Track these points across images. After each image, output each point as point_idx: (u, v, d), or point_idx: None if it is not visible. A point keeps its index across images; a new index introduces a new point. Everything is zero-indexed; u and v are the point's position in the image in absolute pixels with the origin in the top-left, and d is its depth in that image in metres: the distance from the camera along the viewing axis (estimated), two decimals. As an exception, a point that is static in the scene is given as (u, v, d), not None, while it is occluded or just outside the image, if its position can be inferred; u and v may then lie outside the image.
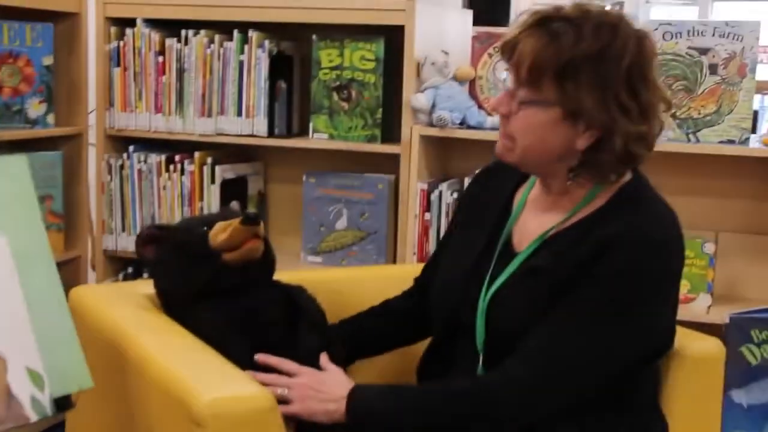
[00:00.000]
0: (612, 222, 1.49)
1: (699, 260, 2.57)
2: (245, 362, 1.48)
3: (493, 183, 1.73)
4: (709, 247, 2.55)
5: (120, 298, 1.70)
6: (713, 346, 1.62)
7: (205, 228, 1.63)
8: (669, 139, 2.54)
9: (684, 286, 2.57)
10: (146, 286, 1.78)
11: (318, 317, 1.71)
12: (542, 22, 1.48)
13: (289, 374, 1.55)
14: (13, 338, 1.26)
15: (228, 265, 1.60)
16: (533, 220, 1.61)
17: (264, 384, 1.42)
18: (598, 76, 1.45)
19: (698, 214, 2.66)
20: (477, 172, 1.83)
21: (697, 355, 1.60)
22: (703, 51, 2.53)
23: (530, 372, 1.45)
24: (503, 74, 2.69)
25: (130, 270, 3.07)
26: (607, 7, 1.54)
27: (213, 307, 1.57)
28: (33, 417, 1.26)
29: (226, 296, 1.59)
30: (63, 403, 1.31)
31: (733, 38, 2.51)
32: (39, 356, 1.28)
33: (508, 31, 1.54)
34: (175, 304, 1.64)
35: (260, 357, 1.55)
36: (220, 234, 1.61)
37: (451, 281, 1.66)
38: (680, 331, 1.61)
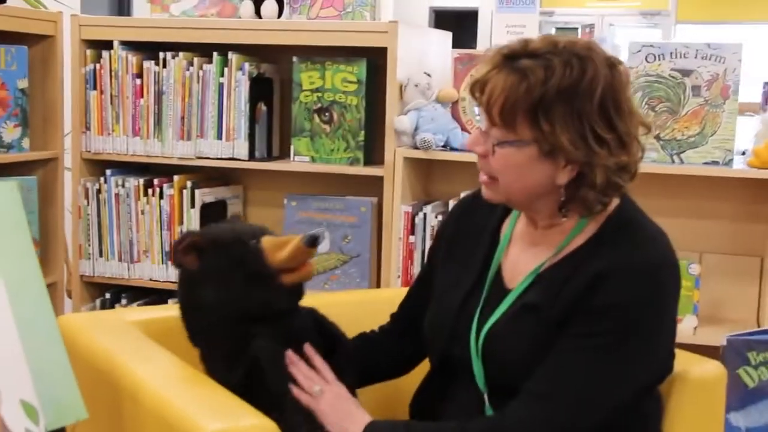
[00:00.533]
0: (605, 253, 1.47)
1: (685, 281, 2.56)
2: (285, 389, 1.46)
3: (474, 217, 1.68)
4: (695, 269, 2.55)
5: (108, 326, 1.65)
6: (714, 369, 1.61)
7: (255, 241, 1.54)
8: (653, 161, 2.54)
9: (670, 308, 2.57)
10: (133, 314, 1.74)
11: (350, 349, 1.68)
12: (510, 58, 1.45)
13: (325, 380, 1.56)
14: (7, 370, 1.21)
15: (284, 287, 1.52)
16: (523, 255, 1.58)
17: (301, 377, 1.49)
18: (572, 111, 1.42)
19: (682, 235, 2.65)
20: (454, 206, 1.79)
21: (698, 378, 1.58)
22: (686, 73, 2.54)
23: (545, 410, 1.42)
24: (476, 110, 2.68)
25: (107, 296, 3.01)
26: (578, 35, 1.53)
27: (266, 331, 1.50)
28: (27, 451, 1.21)
29: (275, 319, 1.52)
30: (58, 436, 1.27)
31: (716, 60, 2.52)
32: (33, 388, 1.24)
33: (476, 71, 1.50)
34: (212, 322, 1.53)
35: (307, 348, 1.56)
36: (278, 252, 1.51)
37: (442, 318, 1.62)
38: (680, 354, 1.59)
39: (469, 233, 1.66)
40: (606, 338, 1.42)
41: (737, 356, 1.54)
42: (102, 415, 1.42)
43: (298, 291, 1.57)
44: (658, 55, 2.55)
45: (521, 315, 1.51)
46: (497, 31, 3.07)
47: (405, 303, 1.82)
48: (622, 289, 1.43)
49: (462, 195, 1.81)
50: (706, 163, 2.54)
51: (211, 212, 2.94)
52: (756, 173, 2.46)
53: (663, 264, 1.48)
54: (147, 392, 1.34)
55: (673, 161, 2.56)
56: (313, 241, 1.50)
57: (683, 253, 2.59)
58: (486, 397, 1.53)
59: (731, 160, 2.54)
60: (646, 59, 2.56)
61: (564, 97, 1.41)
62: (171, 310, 1.84)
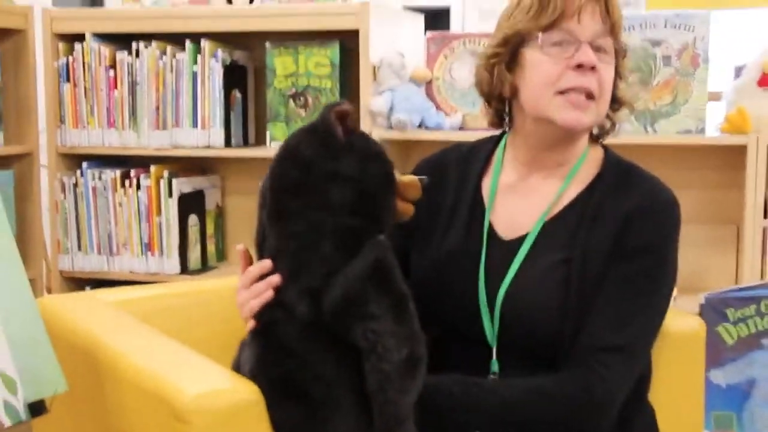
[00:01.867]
0: (623, 195, 1.51)
1: (663, 251, 2.59)
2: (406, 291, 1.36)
3: (447, 174, 1.64)
4: (672, 237, 2.57)
5: (86, 305, 1.65)
6: (694, 323, 1.62)
7: None
8: (627, 132, 2.56)
9: (649, 277, 2.58)
10: (111, 294, 1.73)
11: None
12: None
13: None
14: (-16, 342, 1.21)
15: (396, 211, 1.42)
16: (518, 205, 1.57)
17: None
18: None
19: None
20: (421, 162, 1.71)
21: (678, 333, 1.59)
22: (656, 43, 2.56)
23: (626, 363, 1.45)
24: (448, 89, 2.67)
25: (87, 290, 3.00)
26: None
27: (384, 240, 1.36)
28: (6, 422, 1.21)
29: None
30: (37, 408, 1.27)
31: (685, 29, 2.54)
32: (12, 360, 1.23)
33: None
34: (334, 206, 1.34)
35: None
36: (403, 176, 1.42)
37: (435, 276, 1.57)
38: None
39: (445, 197, 1.63)
40: (648, 276, 1.47)
41: (716, 314, 1.55)
42: (82, 389, 1.42)
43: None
44: (629, 27, 2.56)
45: (547, 268, 1.50)
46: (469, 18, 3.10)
47: None
48: (653, 228, 1.49)
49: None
50: (679, 132, 2.56)
51: (190, 202, 2.93)
52: (729, 139, 2.47)
53: (676, 202, 1.55)
54: (126, 363, 1.34)
55: (646, 131, 2.58)
56: (425, 185, 1.45)
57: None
58: (494, 351, 1.51)
59: (704, 129, 2.56)
60: (616, 31, 2.57)
61: None
62: (149, 289, 1.85)
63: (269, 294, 1.35)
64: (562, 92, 1.48)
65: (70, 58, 2.90)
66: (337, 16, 2.70)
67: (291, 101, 2.79)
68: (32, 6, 2.94)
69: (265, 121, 2.85)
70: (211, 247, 3.05)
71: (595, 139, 1.61)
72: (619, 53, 1.54)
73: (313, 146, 1.36)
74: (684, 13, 2.55)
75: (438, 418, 1.41)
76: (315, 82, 2.76)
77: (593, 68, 1.47)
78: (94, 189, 2.93)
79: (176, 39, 2.83)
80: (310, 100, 2.78)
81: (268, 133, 2.83)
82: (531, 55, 1.51)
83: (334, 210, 1.33)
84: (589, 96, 1.49)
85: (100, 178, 2.92)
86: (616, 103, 1.58)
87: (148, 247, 2.90)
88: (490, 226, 1.58)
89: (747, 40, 2.83)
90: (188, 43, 2.80)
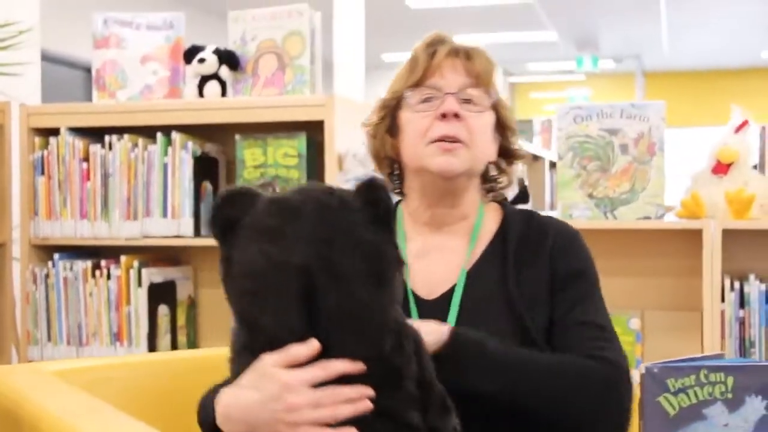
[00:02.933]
0: (535, 236, 1.60)
1: (626, 336, 2.59)
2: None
3: None
4: (635, 323, 2.58)
5: (25, 375, 1.65)
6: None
7: None
8: (588, 218, 2.60)
9: (613, 363, 2.58)
10: (54, 365, 1.74)
11: None
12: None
13: None
14: None
15: None
16: (431, 267, 1.60)
17: None
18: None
19: (623, 293, 2.70)
20: None
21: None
22: (613, 132, 2.62)
23: (607, 339, 1.56)
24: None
25: (55, 380, 2.99)
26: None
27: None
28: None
29: None
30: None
31: (640, 119, 2.60)
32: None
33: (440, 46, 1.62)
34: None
35: None
36: None
37: None
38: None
39: None
40: (588, 291, 1.59)
41: (656, 384, 1.55)
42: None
43: None
44: (585, 116, 2.63)
45: (491, 320, 1.53)
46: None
47: None
48: (575, 255, 1.61)
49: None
50: (638, 219, 2.59)
51: (160, 292, 2.95)
52: (684, 224, 2.51)
53: (576, 229, 1.67)
54: (48, 421, 1.34)
55: (606, 218, 2.62)
56: None
57: (625, 311, 2.63)
58: None
59: (663, 215, 2.60)
60: (574, 120, 2.64)
61: None
62: (93, 360, 1.85)
63: (367, 405, 1.22)
64: (433, 142, 1.56)
65: (45, 151, 2.96)
66: (303, 108, 2.78)
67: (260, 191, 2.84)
68: (9, 101, 3.03)
69: (235, 212, 2.89)
70: (182, 338, 3.05)
71: (496, 197, 1.70)
72: (501, 105, 1.63)
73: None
74: (639, 104, 2.62)
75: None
76: (283, 172, 2.82)
77: (458, 116, 1.55)
78: (65, 279, 2.95)
79: (148, 132, 2.90)
80: (278, 190, 2.83)
81: (237, 224, 2.86)
82: (405, 116, 1.61)
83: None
84: (459, 141, 1.56)
85: (71, 268, 2.95)
86: (510, 157, 1.68)
87: (117, 336, 2.91)
88: (412, 292, 1.59)
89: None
90: (159, 136, 2.87)
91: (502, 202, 1.70)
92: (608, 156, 2.62)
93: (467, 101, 1.58)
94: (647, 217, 2.59)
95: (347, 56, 6.65)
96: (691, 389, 1.59)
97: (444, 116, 1.55)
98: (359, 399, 1.20)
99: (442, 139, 1.55)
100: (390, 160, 1.67)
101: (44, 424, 1.36)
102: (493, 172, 1.69)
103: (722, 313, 2.44)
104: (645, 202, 2.60)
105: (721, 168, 2.53)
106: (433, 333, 1.43)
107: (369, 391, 1.21)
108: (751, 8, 10.12)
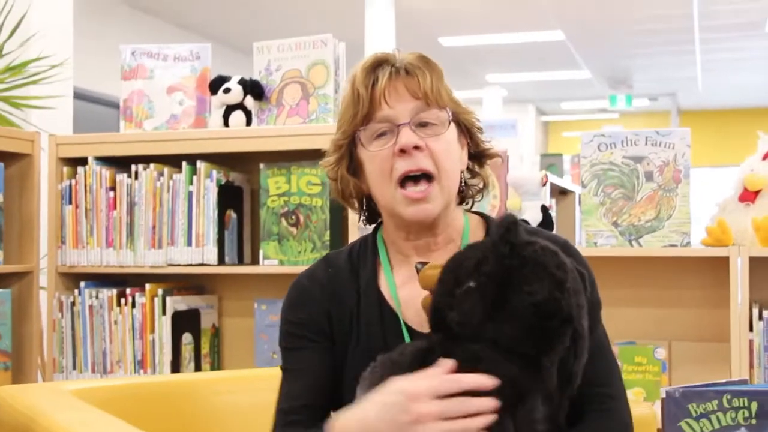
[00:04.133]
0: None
1: (652, 366, 2.56)
2: None
3: (337, 288, 1.58)
4: (661, 353, 2.54)
5: (45, 393, 1.66)
6: (645, 410, 1.59)
7: None
8: (612, 246, 2.57)
9: (639, 393, 2.54)
10: (71, 384, 1.75)
11: None
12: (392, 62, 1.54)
13: None
14: None
15: None
16: (421, 295, 1.51)
17: None
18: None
19: (650, 324, 2.67)
20: (292, 299, 1.61)
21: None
22: (638, 159, 2.61)
23: (618, 410, 1.46)
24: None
25: (79, 408, 3.00)
26: None
27: None
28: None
29: None
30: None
31: (665, 146, 2.58)
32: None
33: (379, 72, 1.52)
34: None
35: None
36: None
37: None
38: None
39: (343, 305, 1.56)
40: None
41: (678, 409, 1.53)
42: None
43: None
44: (610, 144, 2.62)
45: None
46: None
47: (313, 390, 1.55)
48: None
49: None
50: (664, 246, 2.56)
51: (184, 320, 2.96)
52: (710, 251, 2.47)
53: (571, 244, 1.56)
54: (54, 424, 1.34)
55: (631, 245, 2.59)
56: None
57: (651, 341, 2.60)
58: None
59: (689, 243, 2.57)
60: (598, 148, 2.62)
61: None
62: (109, 381, 1.85)
63: (493, 418, 1.18)
64: (401, 184, 1.47)
65: (73, 180, 3.00)
66: (326, 136, 2.75)
67: (283, 219, 2.85)
68: (39, 132, 3.07)
69: (260, 240, 2.91)
70: (206, 366, 3.05)
71: (472, 204, 1.64)
72: (459, 111, 1.54)
73: None
74: (664, 131, 2.61)
75: None
76: (306, 201, 2.83)
77: (417, 147, 1.47)
78: (90, 308, 2.97)
79: (174, 161, 2.92)
80: (301, 218, 2.83)
81: (261, 252, 2.88)
82: (363, 154, 1.52)
83: None
84: (428, 177, 1.47)
85: (97, 296, 2.97)
86: (482, 158, 1.60)
87: (141, 364, 2.91)
88: (406, 325, 1.52)
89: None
90: (184, 164, 2.90)
91: (483, 214, 1.62)
92: (633, 184, 2.60)
93: (425, 125, 1.49)
94: (672, 245, 2.56)
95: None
96: (714, 414, 1.57)
97: (403, 151, 1.47)
98: (487, 411, 1.16)
99: (407, 179, 1.47)
100: (358, 196, 1.60)
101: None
102: (468, 176, 1.61)
103: (750, 342, 2.40)
104: (670, 230, 2.57)
105: (748, 195, 2.50)
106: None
107: (495, 403, 1.17)
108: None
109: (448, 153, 1.50)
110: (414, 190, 1.47)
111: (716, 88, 13.13)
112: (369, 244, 1.61)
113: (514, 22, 9.09)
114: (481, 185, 1.61)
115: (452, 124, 1.53)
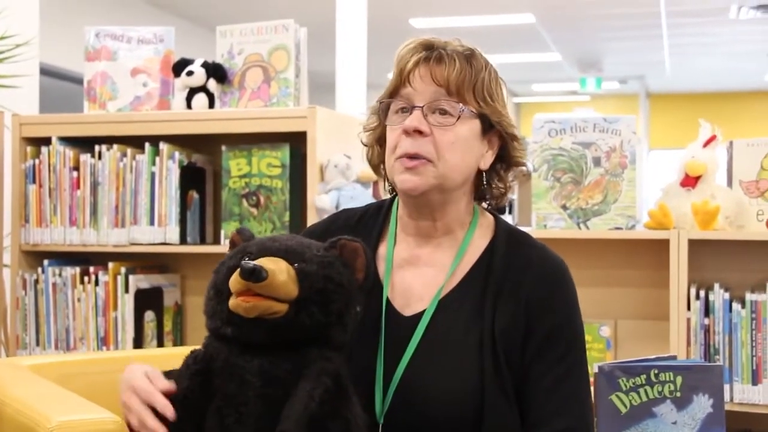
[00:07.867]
0: (518, 265, 1.56)
1: (597, 344, 2.65)
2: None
3: None
4: (605, 331, 2.64)
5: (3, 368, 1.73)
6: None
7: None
8: (561, 229, 2.66)
9: (584, 370, 2.64)
10: (28, 360, 1.81)
11: None
12: (435, 48, 1.57)
13: None
14: None
15: (228, 310, 1.41)
16: (411, 281, 1.58)
17: None
18: (502, 93, 1.59)
19: (596, 303, 2.76)
20: None
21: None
22: (587, 145, 2.69)
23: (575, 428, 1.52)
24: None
25: (43, 383, 3.06)
26: None
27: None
28: None
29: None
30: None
31: (612, 133, 2.67)
32: None
33: (406, 51, 1.57)
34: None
35: None
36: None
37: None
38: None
39: None
40: (572, 348, 1.56)
41: (609, 383, 1.61)
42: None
43: (254, 322, 1.38)
44: (560, 130, 2.70)
45: (452, 351, 1.51)
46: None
47: None
48: (559, 300, 1.56)
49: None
50: (610, 230, 2.65)
51: (147, 298, 3.03)
52: (653, 234, 2.57)
53: (565, 266, 1.60)
54: (8, 401, 1.41)
55: (579, 228, 2.68)
56: (246, 274, 1.33)
57: (597, 319, 2.69)
58: (380, 427, 1.49)
59: (634, 226, 2.66)
60: (548, 134, 2.71)
61: (498, 79, 1.59)
62: (65, 356, 1.92)
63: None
64: (399, 158, 1.52)
65: (37, 160, 3.05)
66: (286, 119, 2.85)
67: (244, 200, 2.92)
68: (2, 111, 3.11)
69: (221, 220, 2.98)
70: (168, 343, 3.12)
71: (493, 205, 1.65)
72: (492, 111, 1.55)
73: None
74: (611, 118, 2.69)
75: None
76: (267, 182, 2.90)
77: (421, 132, 1.50)
78: (54, 285, 3.03)
79: (137, 142, 2.98)
80: (262, 199, 2.90)
81: (222, 232, 2.95)
82: (388, 127, 1.58)
83: None
84: (427, 161, 1.50)
85: (60, 274, 3.03)
86: (505, 163, 1.61)
87: (103, 341, 2.98)
88: (388, 301, 1.57)
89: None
90: (147, 146, 2.95)
91: (497, 216, 1.65)
92: (581, 168, 2.69)
93: (442, 112, 1.52)
94: (618, 228, 2.65)
95: (349, 74, 6.73)
96: (642, 388, 1.65)
97: (407, 132, 1.51)
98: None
99: (404, 155, 1.51)
100: (382, 165, 1.64)
101: (9, 409, 1.43)
102: (494, 179, 1.62)
103: (688, 321, 2.50)
104: (616, 213, 2.66)
105: (689, 181, 2.59)
106: None
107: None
108: (753, 32, 10.20)
109: (454, 145, 1.52)
110: (407, 160, 1.51)
111: (683, 72, 13.26)
112: (383, 212, 1.68)
113: (485, 4, 9.14)
114: (503, 189, 1.64)
115: (476, 121, 1.54)
